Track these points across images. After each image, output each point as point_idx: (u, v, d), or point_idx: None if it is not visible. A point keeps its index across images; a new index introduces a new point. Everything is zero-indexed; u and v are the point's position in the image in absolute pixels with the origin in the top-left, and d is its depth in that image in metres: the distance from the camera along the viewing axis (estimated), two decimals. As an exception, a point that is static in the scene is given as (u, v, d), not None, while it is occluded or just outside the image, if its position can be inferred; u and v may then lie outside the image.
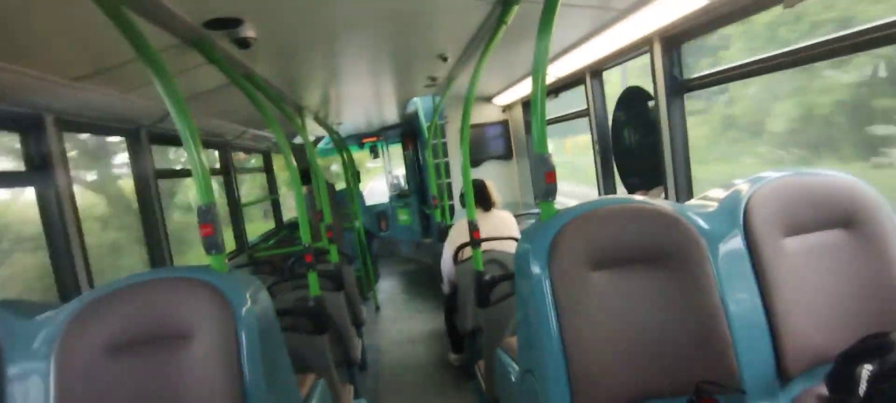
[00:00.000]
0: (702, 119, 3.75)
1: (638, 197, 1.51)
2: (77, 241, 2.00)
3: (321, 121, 4.68)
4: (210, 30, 1.62)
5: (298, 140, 5.58)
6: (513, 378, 1.86)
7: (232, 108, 3.08)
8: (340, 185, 6.37)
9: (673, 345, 1.30)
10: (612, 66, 2.95)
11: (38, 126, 1.89)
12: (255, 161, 5.37)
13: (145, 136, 2.66)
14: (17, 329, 1.31)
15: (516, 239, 3.02)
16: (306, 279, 2.42)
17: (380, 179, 10.04)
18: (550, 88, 3.67)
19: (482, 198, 3.21)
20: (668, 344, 1.30)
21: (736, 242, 1.37)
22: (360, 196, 7.50)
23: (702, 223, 1.41)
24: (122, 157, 4.54)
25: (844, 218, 1.38)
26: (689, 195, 2.35)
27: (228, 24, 1.62)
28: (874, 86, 2.63)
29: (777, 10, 1.72)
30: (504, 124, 5.12)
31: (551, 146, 5.47)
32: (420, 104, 5.22)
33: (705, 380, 1.22)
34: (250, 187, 6.28)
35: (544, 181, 1.48)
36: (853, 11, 2.08)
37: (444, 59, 2.73)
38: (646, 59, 2.42)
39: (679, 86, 2.29)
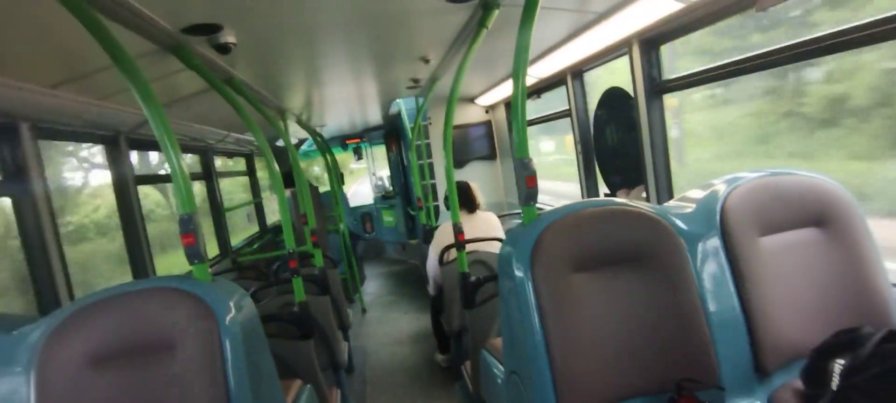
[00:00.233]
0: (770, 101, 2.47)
1: (619, 197, 1.54)
2: (56, 252, 1.96)
3: (304, 124, 4.64)
4: (189, 35, 1.60)
5: (281, 143, 5.53)
6: (498, 379, 1.87)
7: (213, 113, 3.05)
8: (324, 188, 6.32)
9: (654, 344, 1.33)
10: (595, 67, 2.99)
11: (13, 134, 1.85)
12: (238, 164, 5.30)
13: (124, 143, 2.62)
14: None
15: (501, 240, 3.04)
16: (291, 283, 2.41)
17: (364, 181, 9.97)
18: (532, 89, 3.69)
19: (466, 200, 3.22)
20: (650, 343, 1.33)
21: (714, 242, 1.41)
22: (345, 198, 7.45)
23: (681, 224, 1.44)
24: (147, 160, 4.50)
25: (817, 216, 1.42)
26: (670, 194, 2.39)
27: (207, 30, 1.61)
28: None
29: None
30: (487, 125, 5.14)
31: (551, 144, 5.47)
32: (403, 105, 5.20)
33: (686, 377, 1.25)
34: (233, 191, 6.20)
35: (526, 185, 1.50)
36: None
37: (426, 61, 2.74)
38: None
39: (658, 88, 2.33)
